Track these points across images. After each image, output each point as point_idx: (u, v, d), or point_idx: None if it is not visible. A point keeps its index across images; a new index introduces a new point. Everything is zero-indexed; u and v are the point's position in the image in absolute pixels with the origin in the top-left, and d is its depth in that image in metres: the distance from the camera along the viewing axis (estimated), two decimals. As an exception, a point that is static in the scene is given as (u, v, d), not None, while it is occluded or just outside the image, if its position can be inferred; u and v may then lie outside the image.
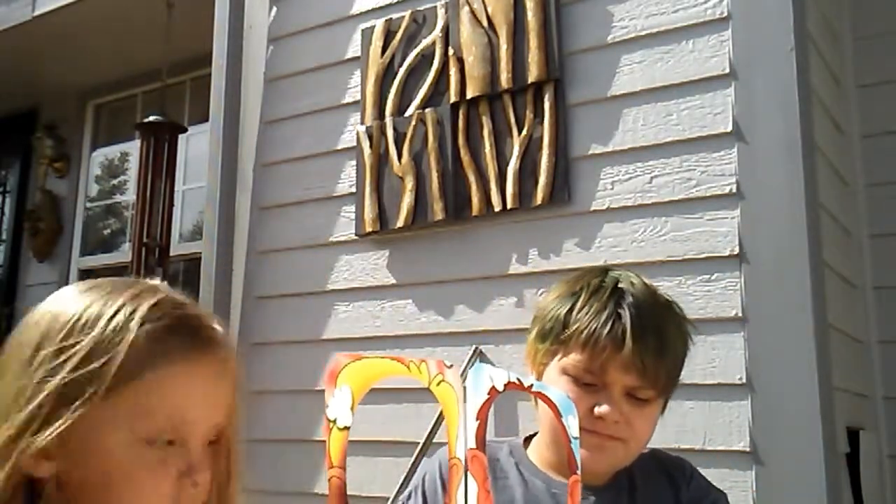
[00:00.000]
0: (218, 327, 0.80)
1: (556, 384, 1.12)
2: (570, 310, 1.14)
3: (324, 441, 0.80)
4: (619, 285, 1.15)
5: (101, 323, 0.72)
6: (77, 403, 0.69)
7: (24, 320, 0.79)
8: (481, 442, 0.74)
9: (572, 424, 0.78)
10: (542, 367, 1.17)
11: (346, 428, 0.80)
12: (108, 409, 0.70)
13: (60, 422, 0.69)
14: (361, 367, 0.83)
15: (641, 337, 1.10)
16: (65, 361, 0.71)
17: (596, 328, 1.10)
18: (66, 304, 0.76)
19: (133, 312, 0.73)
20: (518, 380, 0.78)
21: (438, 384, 0.77)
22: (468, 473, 0.73)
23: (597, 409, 1.10)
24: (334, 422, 0.81)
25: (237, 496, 0.86)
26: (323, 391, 0.84)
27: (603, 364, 1.10)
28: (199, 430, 0.77)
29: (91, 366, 0.70)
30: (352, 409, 0.81)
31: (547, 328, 1.16)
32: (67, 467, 0.71)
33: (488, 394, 0.76)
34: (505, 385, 0.77)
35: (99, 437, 0.71)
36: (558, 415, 0.78)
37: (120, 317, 0.72)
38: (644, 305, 1.13)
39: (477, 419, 0.75)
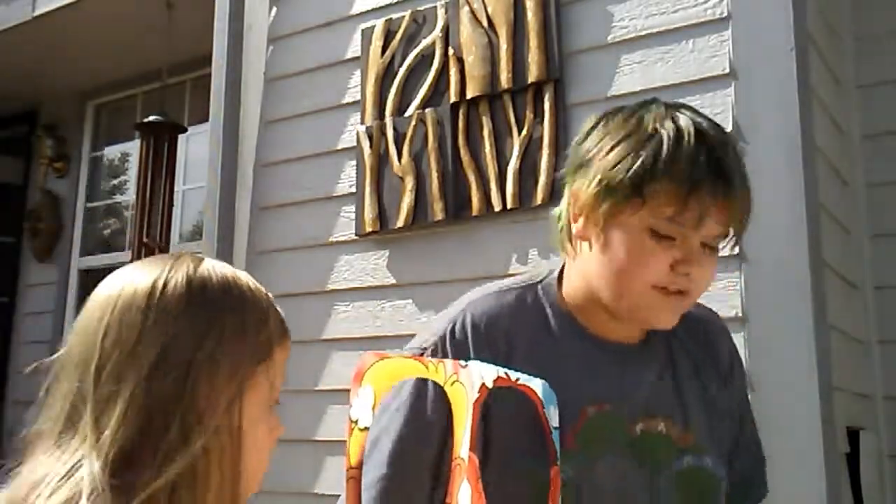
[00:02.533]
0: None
1: (627, 240, 1.04)
2: (655, 160, 1.01)
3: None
4: (699, 126, 1.04)
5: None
6: None
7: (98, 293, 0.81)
8: (474, 442, 0.74)
9: (553, 415, 0.78)
10: (609, 218, 1.05)
11: (366, 428, 0.81)
12: None
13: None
14: (384, 367, 0.83)
15: (741, 182, 1.03)
16: None
17: (697, 177, 1.00)
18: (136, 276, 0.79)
19: None
20: (506, 374, 0.78)
21: (452, 384, 0.78)
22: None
23: (682, 267, 1.03)
24: (356, 422, 0.81)
25: None
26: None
27: (701, 214, 1.01)
28: None
29: None
30: (373, 409, 0.82)
31: (625, 181, 1.02)
32: None
33: (479, 392, 0.76)
34: (494, 381, 0.78)
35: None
36: (540, 404, 0.78)
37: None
38: (725, 145, 1.05)
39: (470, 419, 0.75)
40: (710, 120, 1.08)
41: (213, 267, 0.80)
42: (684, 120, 1.05)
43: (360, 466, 0.80)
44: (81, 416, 0.72)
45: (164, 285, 0.75)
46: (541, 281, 1.18)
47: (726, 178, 1.02)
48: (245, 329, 0.77)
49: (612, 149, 1.05)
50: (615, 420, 1.10)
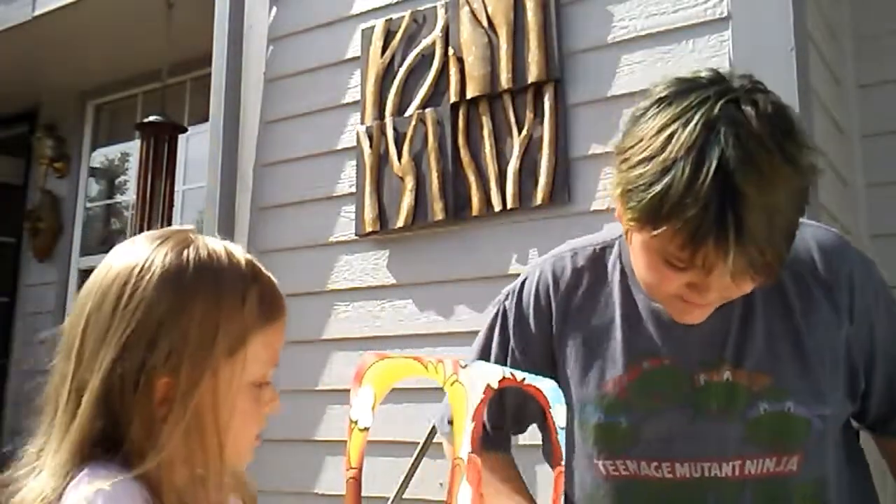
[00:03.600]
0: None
1: (640, 254, 1.03)
2: (665, 192, 0.92)
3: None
4: (725, 153, 0.91)
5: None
6: None
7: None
8: (476, 444, 0.73)
9: (559, 414, 0.78)
10: (628, 226, 1.03)
11: (366, 429, 0.81)
12: None
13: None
14: (384, 367, 0.83)
15: (751, 236, 0.91)
16: None
17: (702, 230, 0.91)
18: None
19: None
20: (511, 374, 0.78)
21: (452, 384, 0.77)
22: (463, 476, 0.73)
23: (695, 296, 1.00)
24: (356, 423, 0.81)
25: None
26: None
27: (708, 266, 0.95)
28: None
29: None
30: (372, 409, 0.82)
31: (635, 200, 0.97)
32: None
33: (483, 393, 0.76)
34: (500, 382, 0.77)
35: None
36: (547, 405, 0.78)
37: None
38: (756, 183, 0.91)
39: (472, 420, 0.74)
40: (761, 136, 0.94)
41: (197, 249, 0.84)
42: (717, 147, 0.92)
43: (360, 466, 0.80)
44: (64, 402, 0.78)
45: (140, 271, 0.80)
46: (617, 238, 1.20)
47: (739, 230, 0.90)
48: (215, 318, 0.81)
49: (637, 163, 0.97)
50: (676, 373, 1.10)
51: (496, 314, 1.25)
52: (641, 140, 0.98)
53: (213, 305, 0.80)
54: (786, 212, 0.95)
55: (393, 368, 0.84)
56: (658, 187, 0.93)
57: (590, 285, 1.18)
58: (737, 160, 0.91)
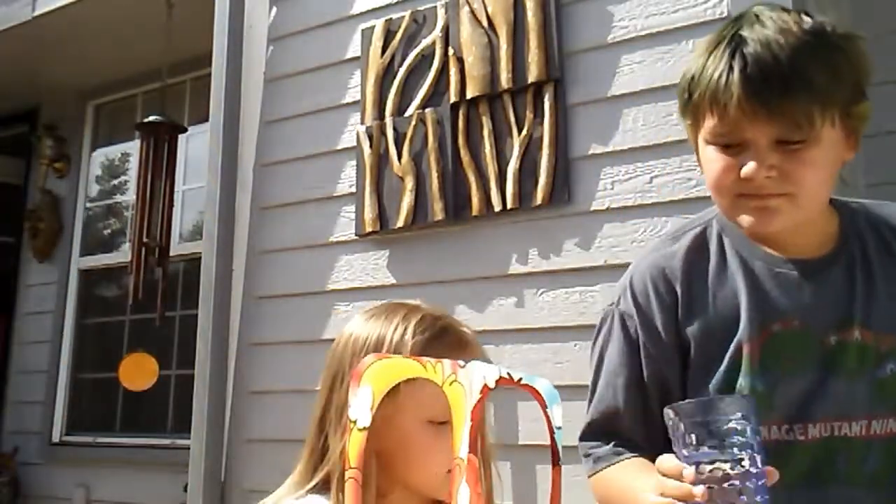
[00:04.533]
0: (468, 331, 1.06)
1: (703, 155, 1.13)
2: (693, 76, 1.09)
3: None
4: (741, 32, 1.07)
5: (385, 342, 1.00)
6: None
7: (334, 342, 1.08)
8: (474, 444, 0.74)
9: (556, 414, 0.78)
10: (694, 143, 1.16)
11: (365, 428, 0.81)
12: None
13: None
14: (383, 367, 0.83)
15: (762, 80, 1.03)
16: None
17: (711, 86, 1.05)
18: (359, 329, 1.05)
19: (406, 329, 1.00)
20: (508, 374, 0.78)
21: (451, 384, 0.78)
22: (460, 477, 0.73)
23: (744, 189, 1.07)
24: (355, 422, 0.81)
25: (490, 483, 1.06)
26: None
27: (733, 121, 1.05)
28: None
29: None
30: (371, 409, 0.82)
31: (682, 102, 1.13)
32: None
33: (481, 392, 0.76)
34: (496, 381, 0.77)
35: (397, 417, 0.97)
36: (544, 405, 0.78)
37: (397, 334, 1.00)
38: (767, 43, 1.05)
39: (470, 420, 0.75)
40: (785, 20, 1.08)
41: (382, 323, 1.03)
42: (732, 26, 1.09)
43: (360, 467, 0.80)
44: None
45: (338, 339, 1.06)
46: (714, 214, 1.23)
47: (753, 79, 1.02)
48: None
49: (687, 79, 1.12)
50: (805, 335, 1.11)
51: (610, 323, 1.23)
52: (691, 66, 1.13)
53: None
54: (804, 58, 1.04)
55: (392, 368, 0.84)
56: (690, 71, 1.11)
57: (703, 263, 1.19)
58: (757, 24, 1.07)
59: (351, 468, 0.79)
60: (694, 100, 1.09)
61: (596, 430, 1.22)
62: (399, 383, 0.84)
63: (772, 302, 1.13)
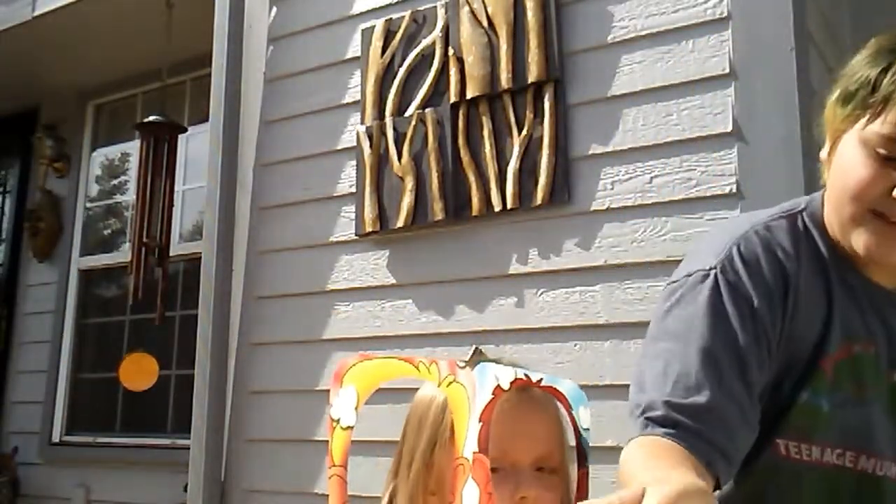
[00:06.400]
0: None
1: (849, 155, 1.02)
2: (885, 70, 0.99)
3: (324, 441, 0.81)
4: None
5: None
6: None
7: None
8: (484, 444, 0.73)
9: (583, 416, 0.77)
10: (840, 133, 1.05)
11: (350, 427, 0.80)
12: None
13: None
14: (369, 367, 0.83)
15: None
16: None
17: None
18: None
19: None
20: (525, 375, 0.78)
21: (449, 385, 0.77)
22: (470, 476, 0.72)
23: (889, 210, 0.98)
24: (338, 421, 0.81)
25: None
26: (323, 391, 0.84)
27: None
28: (523, 458, 0.94)
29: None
30: (356, 409, 0.81)
31: (852, 90, 1.02)
32: None
33: (493, 394, 0.76)
34: (511, 383, 0.77)
35: None
36: (568, 407, 0.77)
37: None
38: None
39: (480, 421, 0.74)
40: None
41: (424, 389, 1.05)
42: None
43: (343, 465, 0.80)
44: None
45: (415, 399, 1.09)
46: (803, 209, 1.12)
47: None
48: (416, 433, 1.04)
49: (861, 59, 1.04)
50: (877, 364, 1.07)
51: (711, 290, 1.01)
52: (859, 58, 1.05)
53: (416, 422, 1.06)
54: None
55: (377, 369, 0.84)
56: (880, 63, 0.99)
57: (802, 254, 1.08)
58: None
59: (335, 465, 0.79)
60: (878, 96, 0.98)
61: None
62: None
63: (860, 321, 1.07)
